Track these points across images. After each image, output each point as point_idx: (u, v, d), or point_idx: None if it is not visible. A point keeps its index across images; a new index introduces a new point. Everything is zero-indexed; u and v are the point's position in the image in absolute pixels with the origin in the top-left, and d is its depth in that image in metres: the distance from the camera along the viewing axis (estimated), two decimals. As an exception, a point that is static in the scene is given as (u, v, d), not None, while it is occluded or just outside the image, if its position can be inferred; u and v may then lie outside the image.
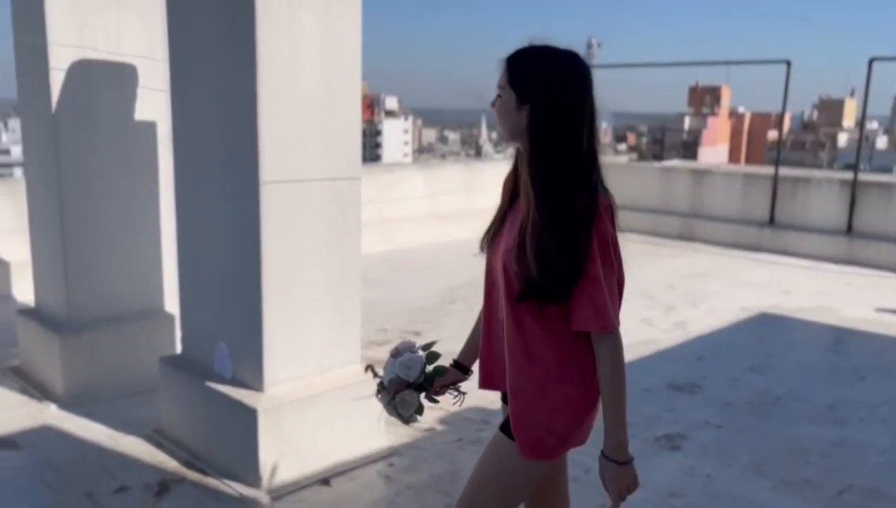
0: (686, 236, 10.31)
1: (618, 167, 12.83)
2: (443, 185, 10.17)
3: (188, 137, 3.74)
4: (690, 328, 6.24)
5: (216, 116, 3.52)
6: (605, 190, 1.88)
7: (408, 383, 2.10)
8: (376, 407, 3.91)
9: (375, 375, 2.18)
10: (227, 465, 3.57)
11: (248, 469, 3.46)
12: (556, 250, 1.77)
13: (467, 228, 10.13)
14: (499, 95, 1.89)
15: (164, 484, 3.48)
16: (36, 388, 4.54)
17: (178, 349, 4.33)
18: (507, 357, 1.95)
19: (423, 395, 2.13)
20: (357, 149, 3.71)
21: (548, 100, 1.81)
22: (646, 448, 4.00)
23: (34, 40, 4.28)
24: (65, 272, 4.43)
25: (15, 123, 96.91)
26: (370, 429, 3.85)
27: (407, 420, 2.13)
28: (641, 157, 14.83)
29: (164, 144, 4.74)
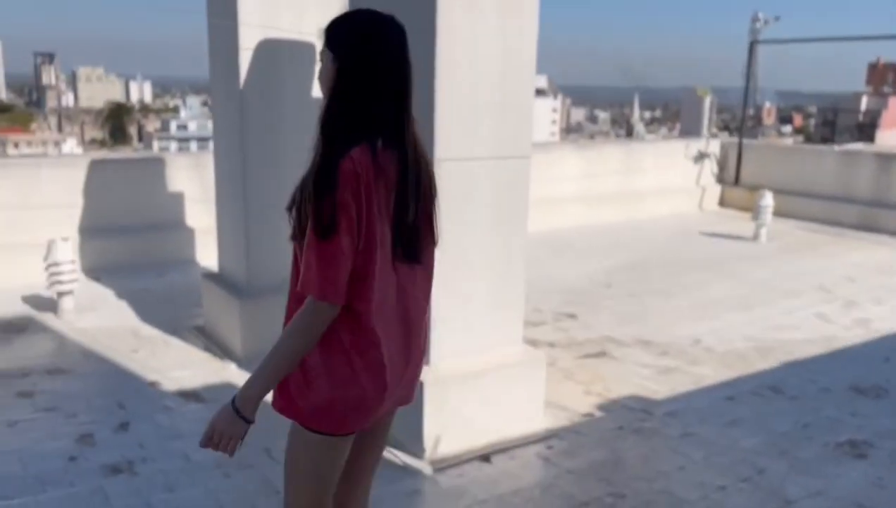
0: (868, 227, 9.44)
1: (784, 150, 11.97)
2: (601, 166, 9.91)
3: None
4: (875, 327, 5.72)
5: (393, 93, 3.59)
6: (396, 160, 1.79)
7: None
8: (537, 388, 3.91)
9: None
10: (392, 432, 3.67)
11: (412, 438, 3.54)
12: (301, 205, 1.77)
13: (625, 210, 9.91)
14: (321, 62, 1.85)
15: (334, 447, 3.64)
16: (218, 346, 4.90)
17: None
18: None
19: None
20: (528, 127, 3.67)
21: (347, 54, 1.77)
22: (826, 453, 3.71)
23: (226, 22, 4.56)
24: (246, 242, 4.73)
25: (192, 101, 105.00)
26: (530, 410, 3.84)
27: None
28: (808, 139, 13.75)
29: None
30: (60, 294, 5.31)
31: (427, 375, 3.48)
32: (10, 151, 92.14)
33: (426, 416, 3.47)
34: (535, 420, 3.87)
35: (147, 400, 4.12)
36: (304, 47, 4.67)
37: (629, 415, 4.15)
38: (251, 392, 1.80)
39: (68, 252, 5.26)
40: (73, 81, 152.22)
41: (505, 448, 3.67)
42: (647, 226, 9.61)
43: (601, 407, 4.26)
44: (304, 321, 1.78)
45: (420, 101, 3.41)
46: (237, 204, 4.78)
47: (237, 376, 4.47)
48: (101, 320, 5.39)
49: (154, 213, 6.98)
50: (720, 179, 11.17)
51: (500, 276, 3.70)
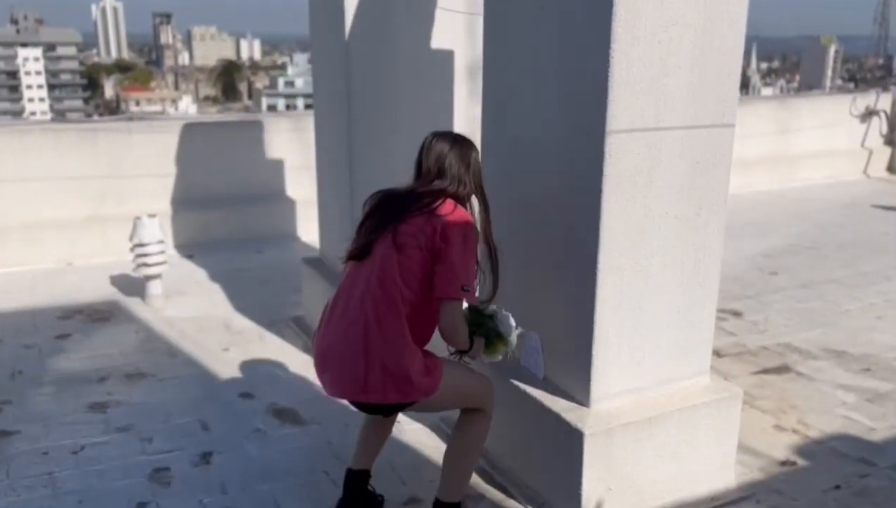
0: None
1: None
2: (749, 126, 8.57)
3: (505, 69, 2.91)
4: None
5: (548, 41, 2.64)
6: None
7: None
8: (729, 434, 2.97)
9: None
10: (536, 489, 2.84)
11: (563, 500, 2.69)
12: None
13: (777, 177, 8.57)
14: None
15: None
16: (318, 347, 4.19)
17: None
18: None
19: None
20: (735, 84, 2.65)
21: None
22: None
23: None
24: (352, 224, 3.93)
25: (299, 58, 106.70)
26: (719, 461, 2.90)
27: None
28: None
29: (461, 77, 4.03)
30: (147, 278, 4.73)
31: (585, 421, 2.60)
32: (132, 108, 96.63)
33: (585, 473, 2.59)
34: (724, 475, 2.93)
35: (235, 419, 3.44)
36: (423, -13, 3.78)
37: (844, 466, 3.13)
38: None
39: (156, 231, 4.66)
40: (188, 41, 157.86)
41: (686, 516, 2.76)
42: (805, 196, 8.27)
43: (802, 452, 3.25)
44: None
45: (595, 61, 2.50)
46: (341, 179, 3.99)
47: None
48: (191, 307, 4.79)
49: (251, 182, 6.35)
50: (890, 140, 9.58)
51: (687, 286, 2.75)
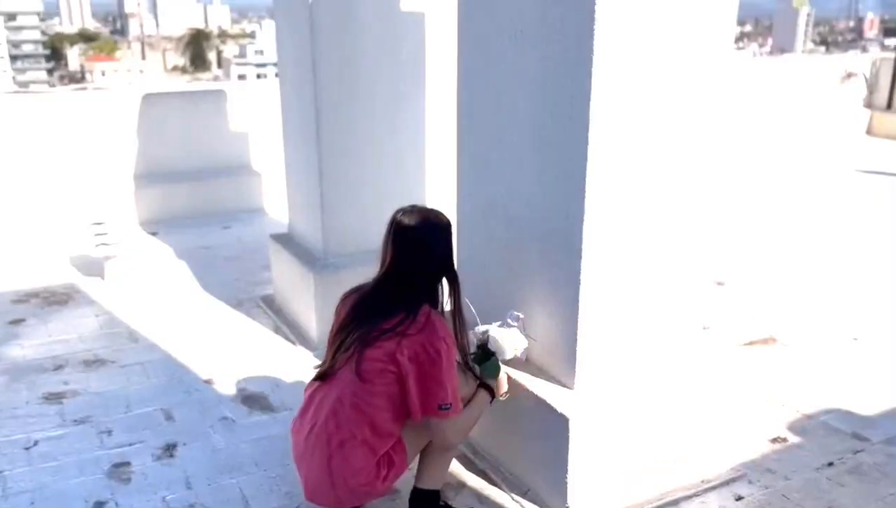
0: None
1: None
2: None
3: (482, 39, 2.70)
4: None
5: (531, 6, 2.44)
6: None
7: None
8: (714, 411, 2.85)
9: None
10: (519, 475, 2.70)
11: (548, 488, 2.55)
12: None
13: (758, 140, 8.45)
14: None
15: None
16: (289, 327, 4.00)
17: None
18: None
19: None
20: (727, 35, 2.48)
21: None
22: None
23: None
24: (321, 197, 3.74)
25: (268, 25, 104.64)
26: (707, 441, 2.78)
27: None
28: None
29: (432, 40, 3.81)
30: (107, 257, 4.49)
31: (571, 405, 2.46)
32: (98, 78, 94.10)
33: (571, 463, 2.45)
34: (716, 453, 2.81)
35: (201, 407, 3.25)
36: (391, -59, 3.53)
37: (836, 442, 3.03)
38: None
39: (115, 208, 4.40)
40: (153, 8, 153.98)
41: (677, 500, 2.63)
42: (785, 160, 8.16)
43: (792, 427, 3.15)
44: None
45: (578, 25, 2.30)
46: (309, 150, 3.77)
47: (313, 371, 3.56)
48: (154, 288, 4.56)
49: (217, 155, 6.09)
50: (869, 102, 9.49)
51: (676, 260, 2.59)
